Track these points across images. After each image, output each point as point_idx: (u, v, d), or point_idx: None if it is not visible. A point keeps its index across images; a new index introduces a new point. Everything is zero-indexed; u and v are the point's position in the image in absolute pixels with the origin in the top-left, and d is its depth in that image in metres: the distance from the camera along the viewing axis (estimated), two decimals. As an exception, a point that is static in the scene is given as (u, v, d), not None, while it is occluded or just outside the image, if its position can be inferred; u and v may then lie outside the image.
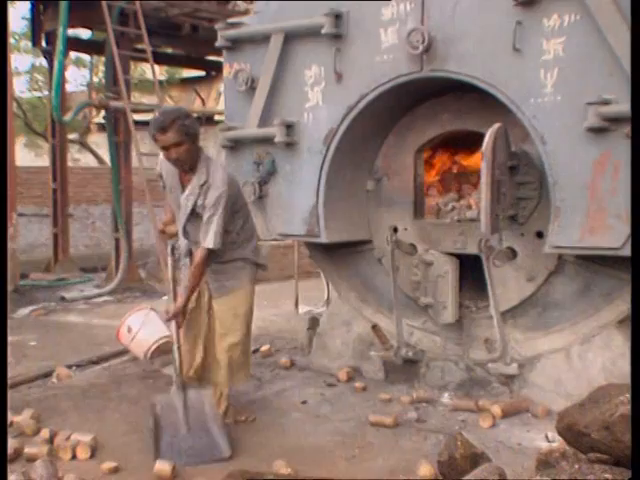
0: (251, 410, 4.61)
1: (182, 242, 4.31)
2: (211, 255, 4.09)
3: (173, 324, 4.19)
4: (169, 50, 12.90)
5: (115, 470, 3.74)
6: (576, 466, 2.57)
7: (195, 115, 20.11)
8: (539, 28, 4.15)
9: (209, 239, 4.02)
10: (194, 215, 4.13)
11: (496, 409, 4.46)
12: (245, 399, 4.92)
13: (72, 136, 17.30)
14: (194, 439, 3.93)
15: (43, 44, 10.86)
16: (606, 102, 3.91)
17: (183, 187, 4.17)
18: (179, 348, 4.22)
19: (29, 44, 13.43)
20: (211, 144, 19.54)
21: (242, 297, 4.32)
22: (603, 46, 3.91)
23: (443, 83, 4.70)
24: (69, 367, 5.77)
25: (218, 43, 5.43)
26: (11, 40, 12.94)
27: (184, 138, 3.93)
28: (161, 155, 4.21)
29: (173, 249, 4.35)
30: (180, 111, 4.08)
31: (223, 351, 4.31)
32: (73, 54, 15.11)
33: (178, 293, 4.27)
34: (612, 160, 3.94)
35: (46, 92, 14.48)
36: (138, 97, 15.52)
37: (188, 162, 4.05)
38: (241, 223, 4.31)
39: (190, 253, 4.26)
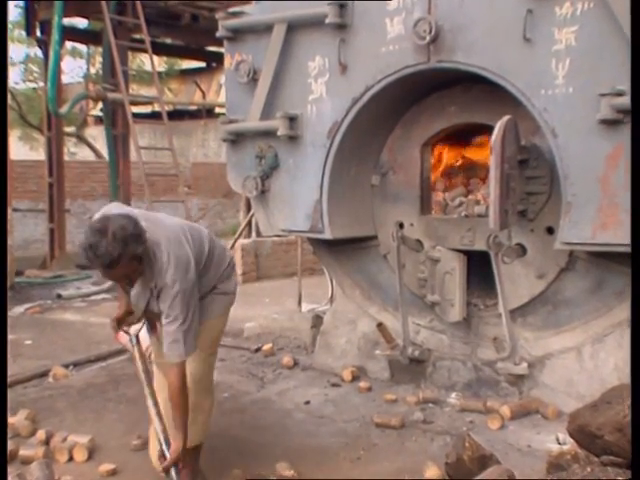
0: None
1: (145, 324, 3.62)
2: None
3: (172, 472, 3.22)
4: (168, 40, 12.91)
5: (113, 472, 3.74)
6: (588, 469, 2.56)
7: (195, 108, 20.11)
8: (551, 17, 4.13)
9: (175, 352, 3.25)
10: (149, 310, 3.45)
11: (505, 410, 4.46)
12: (247, 399, 4.92)
13: (68, 129, 17.31)
14: None
15: (38, 33, 10.87)
16: (620, 93, 3.89)
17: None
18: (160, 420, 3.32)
19: (23, 33, 13.42)
20: (212, 138, 19.62)
21: (207, 332, 3.55)
22: (617, 35, 3.88)
23: (451, 74, 4.68)
24: (66, 366, 5.77)
25: (219, 33, 5.42)
26: (6, 30, 12.90)
27: (136, 266, 3.15)
28: None
29: (137, 339, 3.57)
30: (127, 234, 3.05)
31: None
32: (69, 44, 15.14)
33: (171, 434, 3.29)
34: (625, 153, 3.93)
35: (41, 83, 14.46)
36: (136, 89, 15.54)
37: (140, 273, 3.27)
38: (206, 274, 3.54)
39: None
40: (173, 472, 3.19)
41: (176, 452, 3.19)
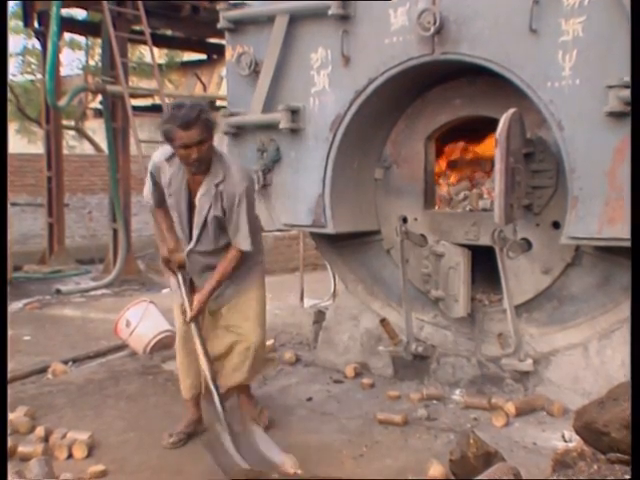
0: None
1: (193, 258, 4.05)
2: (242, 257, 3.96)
3: (193, 328, 3.98)
4: (169, 32, 12.88)
5: (112, 470, 3.74)
6: (595, 467, 2.56)
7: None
8: (557, 7, 4.11)
9: (241, 240, 3.89)
10: (210, 221, 3.90)
11: (510, 407, 4.46)
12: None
13: (67, 122, 17.31)
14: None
15: (35, 24, 10.85)
16: (628, 85, 3.88)
17: (190, 191, 3.91)
18: (207, 356, 3.98)
19: (20, 24, 13.40)
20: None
21: (252, 299, 4.18)
22: (626, 25, 3.85)
23: (455, 66, 4.67)
24: (65, 363, 5.78)
25: (220, 25, 5.40)
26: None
27: (208, 135, 3.72)
28: (157, 158, 3.95)
29: (185, 278, 4.08)
30: (202, 104, 3.84)
31: (237, 356, 4.16)
32: (67, 35, 15.10)
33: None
34: (633, 147, 3.91)
35: (39, 75, 14.48)
36: (136, 81, 15.53)
37: (207, 162, 3.81)
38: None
39: (208, 268, 4.03)
40: (193, 328, 3.94)
41: (201, 301, 3.93)
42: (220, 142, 4.77)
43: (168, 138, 3.71)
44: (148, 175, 4.04)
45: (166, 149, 3.90)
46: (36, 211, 13.03)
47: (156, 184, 4.01)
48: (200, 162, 3.75)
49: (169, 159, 3.91)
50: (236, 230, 3.87)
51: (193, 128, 3.62)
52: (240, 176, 3.85)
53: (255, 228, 4.12)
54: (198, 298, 3.95)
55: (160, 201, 4.06)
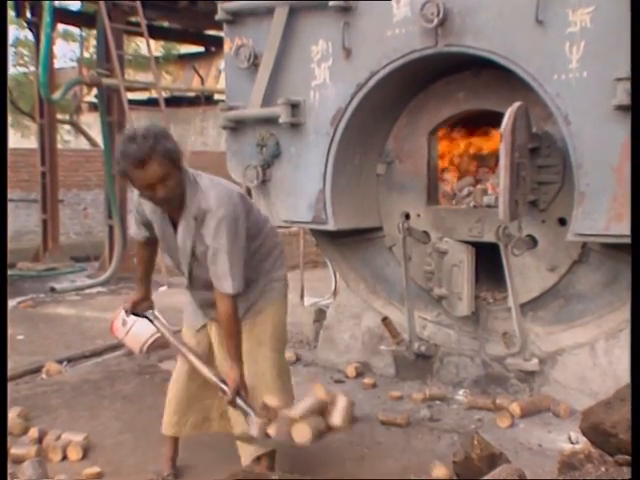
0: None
1: (195, 295, 3.63)
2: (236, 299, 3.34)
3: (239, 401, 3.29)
4: (165, 24, 12.88)
5: (108, 472, 3.75)
6: (602, 469, 2.55)
7: (193, 94, 20.11)
8: (564, -3, 4.10)
9: (225, 284, 3.26)
10: (200, 257, 3.37)
11: (515, 408, 4.46)
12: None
13: (61, 116, 17.30)
14: None
15: (28, 15, 10.84)
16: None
17: (175, 226, 3.38)
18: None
19: (12, 15, 13.38)
20: (211, 125, 19.58)
21: (266, 321, 3.62)
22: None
23: (459, 59, 4.66)
24: (59, 362, 5.79)
25: (218, 16, 5.40)
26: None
27: (171, 167, 3.14)
28: (138, 195, 3.43)
29: (155, 315, 3.73)
30: (158, 129, 3.20)
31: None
32: (61, 27, 15.09)
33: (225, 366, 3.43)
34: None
35: (32, 68, 14.45)
36: (132, 74, 15.51)
37: (178, 198, 3.25)
38: (258, 246, 3.59)
39: (213, 304, 3.44)
40: (240, 401, 3.25)
41: (235, 381, 3.25)
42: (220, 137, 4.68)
43: (126, 179, 3.22)
44: (134, 205, 3.61)
45: None
46: (30, 207, 13.04)
47: (142, 213, 3.54)
48: (169, 201, 3.23)
49: None
50: (215, 270, 3.28)
51: (150, 164, 3.07)
52: (218, 203, 3.24)
53: (269, 248, 3.69)
54: (232, 377, 3.28)
55: (146, 235, 3.60)
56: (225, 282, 3.26)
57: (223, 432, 3.75)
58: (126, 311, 3.73)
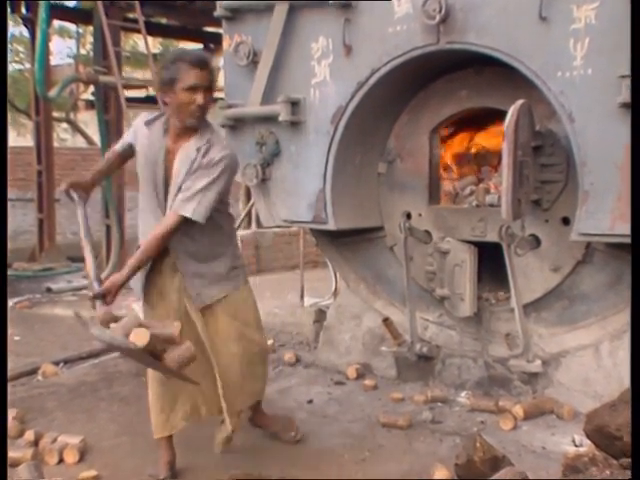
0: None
1: (173, 240, 3.65)
2: (179, 230, 3.51)
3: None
4: (163, 20, 12.86)
5: (105, 475, 3.74)
6: (607, 472, 2.55)
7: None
8: (569, -7, 4.10)
9: (187, 206, 3.43)
10: (181, 190, 3.54)
11: (518, 410, 4.45)
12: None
13: (58, 114, 17.30)
14: None
15: (23, 11, 10.82)
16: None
17: (169, 161, 3.59)
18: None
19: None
20: (208, 123, 19.59)
21: (248, 301, 3.91)
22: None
23: (462, 56, 4.65)
24: (56, 364, 5.78)
25: (217, 13, 5.39)
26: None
27: (214, 84, 3.60)
28: (137, 121, 3.74)
29: (86, 215, 3.83)
30: None
31: (250, 365, 3.87)
32: (57, 23, 15.06)
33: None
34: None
35: (28, 65, 14.44)
36: (130, 72, 15.50)
37: (203, 118, 3.58)
38: (225, 217, 3.83)
39: (190, 254, 3.68)
40: (98, 303, 3.43)
41: (112, 282, 3.54)
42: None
43: (172, 80, 3.47)
44: (125, 136, 3.87)
45: (148, 114, 3.77)
46: (26, 206, 13.03)
47: (129, 145, 3.78)
48: (202, 112, 3.54)
49: (150, 123, 3.70)
50: (186, 190, 3.46)
51: (206, 69, 3.50)
52: (225, 146, 3.64)
53: (224, 219, 3.82)
54: (115, 278, 3.56)
55: (126, 148, 3.80)
56: (188, 204, 3.45)
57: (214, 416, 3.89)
58: (63, 190, 3.76)
